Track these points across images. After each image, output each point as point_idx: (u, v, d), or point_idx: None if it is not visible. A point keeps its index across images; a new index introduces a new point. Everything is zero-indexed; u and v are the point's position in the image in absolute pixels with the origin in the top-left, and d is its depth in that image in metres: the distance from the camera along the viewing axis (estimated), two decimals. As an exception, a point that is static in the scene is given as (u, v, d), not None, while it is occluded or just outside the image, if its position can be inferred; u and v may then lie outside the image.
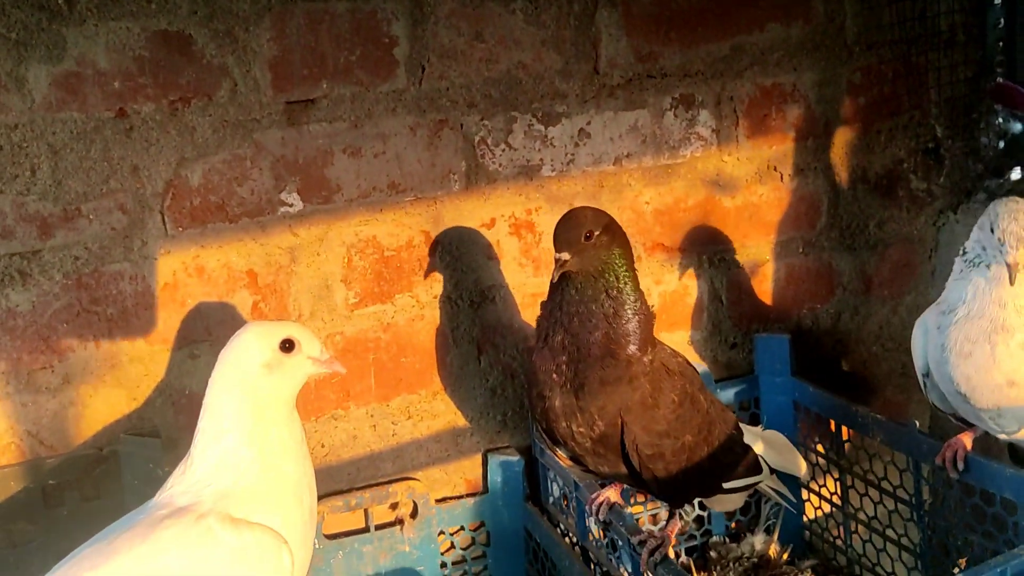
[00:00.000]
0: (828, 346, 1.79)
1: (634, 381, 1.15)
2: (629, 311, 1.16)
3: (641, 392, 1.16)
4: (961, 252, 1.22)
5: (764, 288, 1.73)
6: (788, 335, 1.66)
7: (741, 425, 1.43)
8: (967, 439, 1.30)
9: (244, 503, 0.98)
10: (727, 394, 1.67)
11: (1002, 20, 1.75)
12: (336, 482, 1.50)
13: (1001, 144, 1.80)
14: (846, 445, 1.61)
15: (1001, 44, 1.75)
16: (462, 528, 1.58)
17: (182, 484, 1.00)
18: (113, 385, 1.35)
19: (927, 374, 1.28)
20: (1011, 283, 1.13)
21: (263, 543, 0.96)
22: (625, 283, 1.16)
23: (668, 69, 1.57)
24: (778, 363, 1.66)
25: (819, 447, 1.65)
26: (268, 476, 1.01)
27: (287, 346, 1.06)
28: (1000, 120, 1.79)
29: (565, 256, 1.12)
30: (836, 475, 1.62)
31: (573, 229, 1.13)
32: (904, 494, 1.47)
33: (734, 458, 1.30)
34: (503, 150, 1.50)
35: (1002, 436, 1.27)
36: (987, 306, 1.17)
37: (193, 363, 1.39)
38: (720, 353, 1.72)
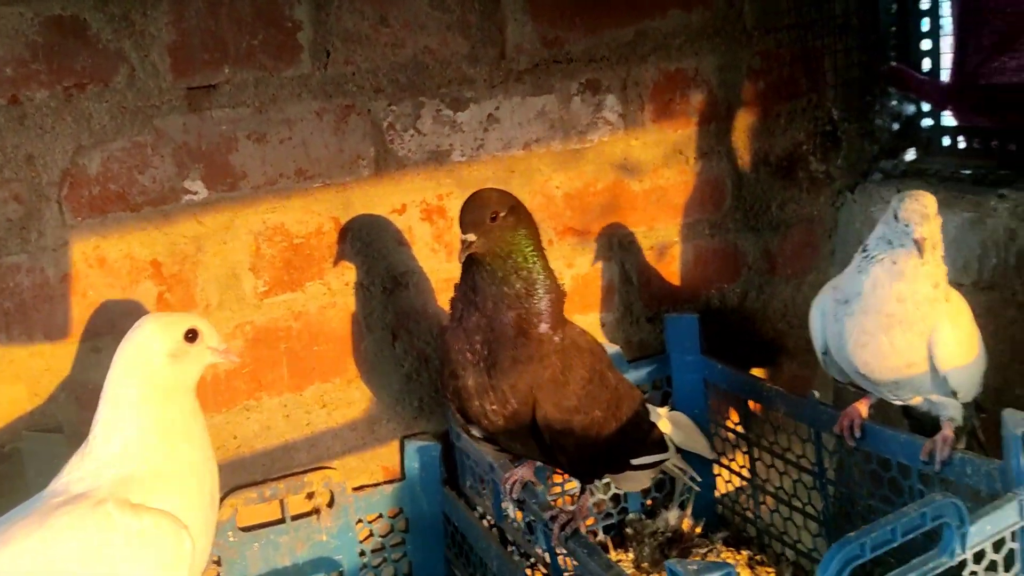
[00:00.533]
0: (736, 324, 1.84)
1: (545, 359, 1.17)
2: (540, 290, 1.18)
3: (552, 370, 1.17)
4: (861, 249, 1.26)
5: (673, 269, 1.77)
6: (697, 314, 1.70)
7: (651, 407, 1.47)
8: (863, 407, 1.35)
9: (143, 489, 0.98)
10: (639, 374, 1.71)
11: (895, 5, 1.81)
12: (250, 474, 1.48)
13: (895, 126, 1.87)
14: (754, 419, 1.66)
15: (894, 28, 1.82)
16: (380, 516, 1.58)
17: (79, 471, 0.99)
18: (13, 381, 1.31)
19: (826, 352, 1.33)
20: (920, 256, 1.18)
21: (162, 527, 0.96)
22: (534, 263, 1.18)
23: (574, 54, 1.59)
24: (688, 342, 1.70)
25: (729, 422, 1.70)
26: (169, 462, 1.01)
27: (191, 336, 1.08)
28: (894, 103, 1.86)
29: (471, 237, 1.13)
30: (745, 449, 1.67)
31: (478, 210, 1.14)
32: (807, 464, 1.52)
33: (641, 435, 1.33)
34: (412, 135, 1.50)
35: (897, 402, 1.33)
36: (885, 300, 1.22)
37: (97, 357, 1.35)
38: (632, 334, 1.75)
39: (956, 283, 1.58)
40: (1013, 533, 1.12)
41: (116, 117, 1.32)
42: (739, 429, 1.68)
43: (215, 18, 1.34)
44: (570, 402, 1.18)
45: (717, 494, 1.78)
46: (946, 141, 1.82)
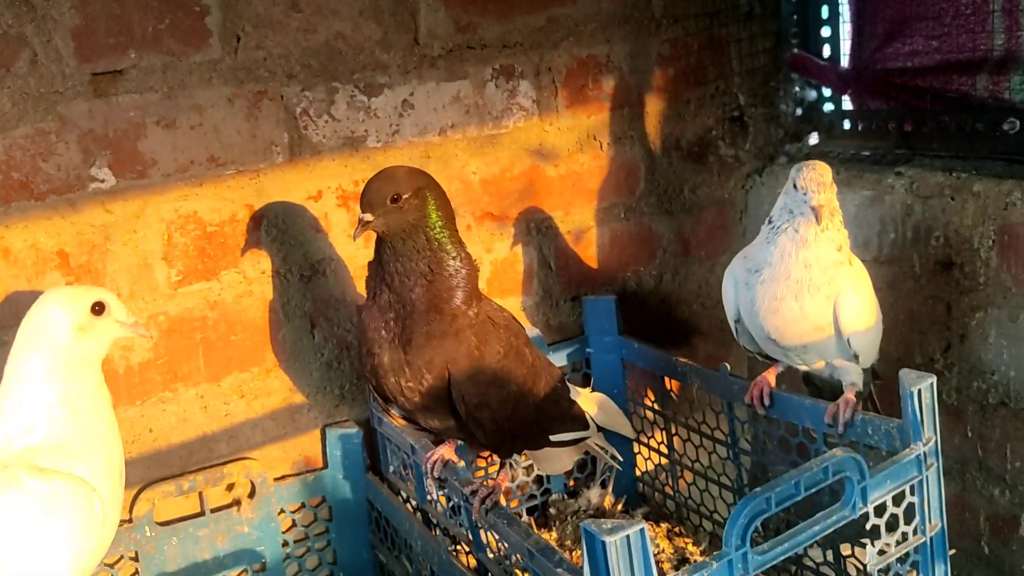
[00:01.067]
0: (653, 305, 1.89)
1: (460, 334, 1.18)
2: (450, 267, 1.19)
3: (467, 344, 1.19)
4: (767, 221, 1.31)
5: (590, 253, 1.80)
6: (614, 296, 1.74)
7: (572, 386, 1.50)
8: (771, 376, 1.41)
9: (52, 456, 0.98)
10: (560, 356, 1.73)
11: (795, -5, 1.88)
12: (167, 467, 1.46)
13: (799, 111, 1.94)
14: (670, 397, 1.71)
15: (796, 16, 1.89)
16: (303, 505, 1.57)
17: (-16, 443, 0.97)
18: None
19: (738, 320, 1.37)
20: (818, 223, 1.23)
21: (72, 489, 0.96)
22: (442, 240, 1.19)
23: (487, 40, 1.61)
24: (605, 323, 1.74)
25: (647, 400, 1.74)
26: (79, 433, 1.02)
27: (97, 308, 1.08)
28: (797, 89, 1.93)
29: (367, 217, 1.14)
30: (663, 426, 1.71)
31: (377, 191, 1.15)
32: (721, 435, 1.57)
33: (560, 411, 1.36)
34: (326, 121, 1.50)
35: (803, 367, 1.39)
36: (792, 267, 1.27)
37: (3, 350, 1.31)
38: (552, 317, 1.78)
39: (859, 258, 1.66)
40: (912, 487, 1.18)
41: (18, 103, 1.29)
42: (656, 407, 1.72)
43: (120, 2, 1.32)
44: (485, 376, 1.20)
45: (638, 472, 1.82)
46: (847, 124, 1.89)
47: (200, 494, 1.47)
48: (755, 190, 1.92)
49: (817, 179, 1.23)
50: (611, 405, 1.62)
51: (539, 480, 1.75)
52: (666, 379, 1.68)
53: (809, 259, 1.24)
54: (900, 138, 1.78)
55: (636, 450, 1.79)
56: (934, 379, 1.17)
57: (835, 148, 1.89)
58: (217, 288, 1.47)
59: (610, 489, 1.74)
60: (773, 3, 1.88)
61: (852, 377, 1.32)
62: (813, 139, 1.95)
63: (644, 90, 1.78)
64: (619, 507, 1.74)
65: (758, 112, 1.90)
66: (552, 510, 1.72)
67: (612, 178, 1.79)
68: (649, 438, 1.76)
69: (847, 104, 1.90)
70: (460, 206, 1.63)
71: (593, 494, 1.73)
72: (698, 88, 1.84)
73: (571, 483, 1.79)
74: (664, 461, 1.75)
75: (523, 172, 1.70)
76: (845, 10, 1.85)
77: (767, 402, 1.39)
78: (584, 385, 1.71)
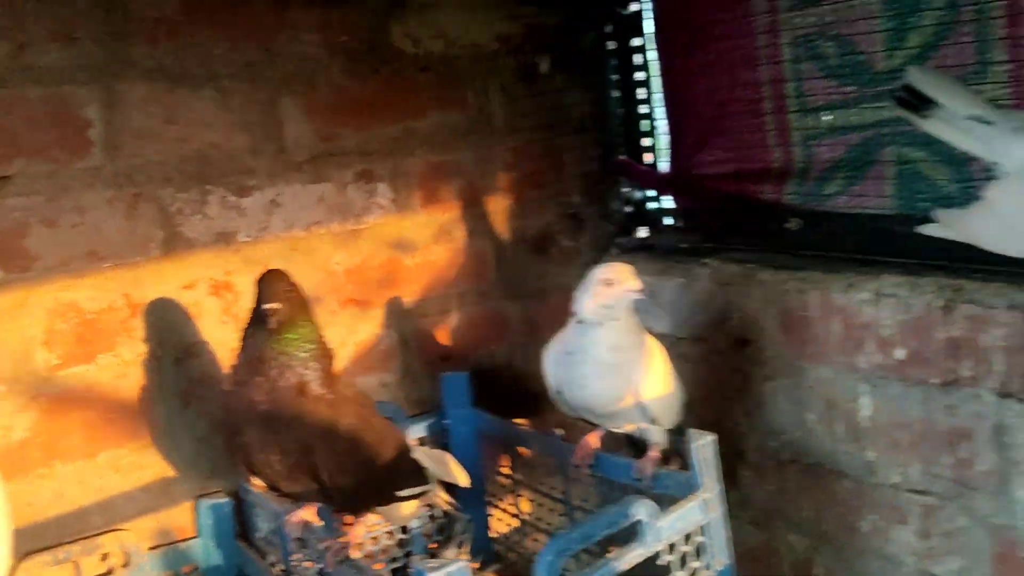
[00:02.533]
0: (506, 380, 2.10)
1: (319, 411, 1.36)
2: (317, 355, 1.38)
3: (326, 419, 1.37)
4: (574, 313, 1.55)
5: (447, 334, 2.01)
6: (468, 372, 1.94)
7: (409, 443, 1.68)
8: (593, 439, 1.63)
9: None
10: (419, 427, 1.91)
11: (621, 110, 2.19)
12: (43, 539, 1.55)
13: (629, 208, 2.23)
14: (519, 462, 1.91)
15: (622, 128, 2.19)
16: (176, 574, 1.68)
17: None
18: None
19: (560, 392, 1.60)
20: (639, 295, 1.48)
21: None
22: (312, 331, 1.38)
23: (348, 148, 1.82)
24: (461, 397, 1.93)
25: (499, 467, 1.94)
26: None
27: None
28: (626, 189, 2.22)
29: (275, 306, 1.33)
30: (513, 489, 1.91)
31: (277, 283, 1.35)
32: (558, 494, 1.78)
33: (404, 469, 1.54)
34: (200, 219, 1.67)
35: (617, 431, 1.62)
36: (597, 351, 1.51)
37: None
38: (412, 392, 1.96)
39: (675, 336, 1.93)
40: (701, 527, 1.41)
41: (-89, 204, 1.42)
42: (506, 472, 1.92)
43: (8, 117, 1.47)
44: (342, 445, 1.38)
45: (492, 534, 2.00)
46: (669, 220, 2.19)
47: (75, 564, 1.56)
48: (593, 277, 2.18)
49: (628, 272, 1.48)
50: (442, 457, 1.78)
51: (402, 543, 1.91)
52: (513, 447, 1.88)
53: (613, 344, 1.49)
54: (710, 233, 2.08)
55: (490, 512, 1.97)
56: (714, 437, 1.41)
57: (659, 240, 2.18)
58: (94, 370, 1.59)
59: (466, 549, 1.91)
60: (602, 118, 2.17)
61: (656, 438, 1.56)
62: (642, 232, 2.24)
63: (491, 190, 2.03)
64: (475, 566, 1.91)
65: (592, 210, 2.18)
66: (411, 570, 1.88)
67: (465, 267, 2.02)
68: (501, 501, 1.95)
69: (669, 203, 2.20)
70: (325, 293, 1.82)
71: (450, 554, 1.90)
72: (538, 189, 2.10)
73: (432, 545, 1.95)
74: (515, 522, 1.94)
75: (384, 262, 1.90)
76: (663, 124, 2.16)
77: (590, 462, 1.61)
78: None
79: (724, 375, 1.90)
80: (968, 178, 1.60)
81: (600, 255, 2.18)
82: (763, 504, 1.86)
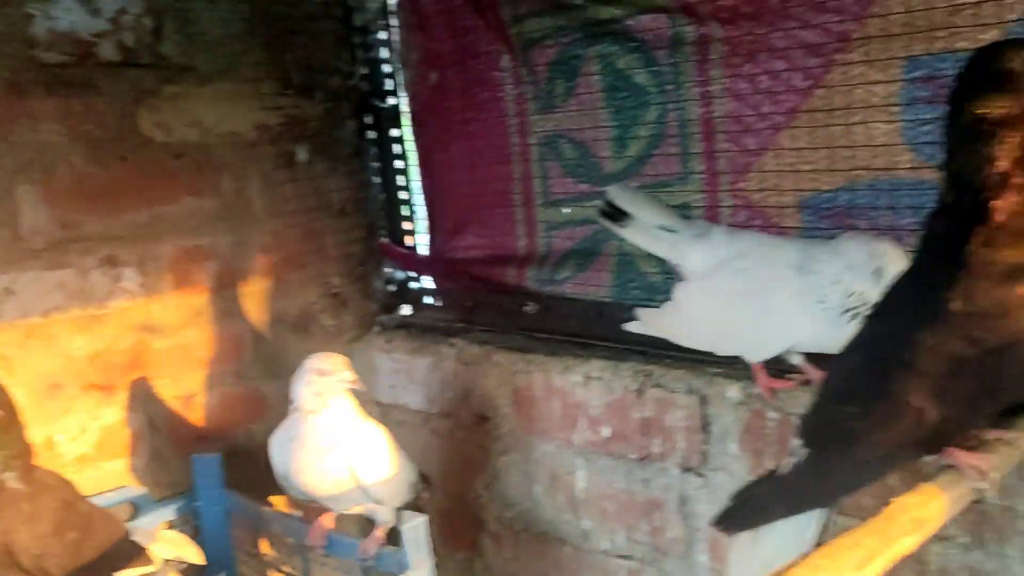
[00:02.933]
0: (264, 459, 2.13)
1: (18, 504, 1.37)
2: (9, 454, 1.39)
3: (25, 509, 1.38)
4: (292, 402, 1.62)
5: (199, 415, 2.03)
6: (221, 454, 1.96)
7: (132, 526, 1.68)
8: (328, 520, 1.69)
9: None
10: (169, 510, 1.91)
11: (383, 195, 2.30)
12: None
13: (392, 288, 2.33)
14: (267, 541, 1.94)
15: (383, 212, 2.30)
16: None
17: None
18: None
19: (285, 478, 1.66)
20: (349, 399, 1.57)
21: None
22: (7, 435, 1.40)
23: (91, 234, 1.83)
24: (212, 478, 1.95)
25: (249, 547, 1.96)
26: None
27: None
28: (388, 270, 2.32)
29: None
30: (259, 569, 1.93)
31: None
32: (295, 572, 1.82)
33: (119, 552, 1.55)
34: (-79, 308, 1.64)
35: (345, 512, 1.69)
36: (320, 437, 1.58)
37: None
38: (162, 475, 1.97)
39: (427, 412, 2.03)
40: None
41: None
42: (255, 551, 1.94)
43: None
44: (44, 529, 1.39)
45: (246, 613, 2.01)
46: (429, 300, 2.31)
47: None
48: (356, 355, 2.25)
49: (344, 363, 1.57)
50: (180, 538, 1.79)
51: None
52: (260, 528, 1.92)
53: (327, 430, 1.57)
54: (465, 313, 2.21)
55: (242, 593, 1.99)
56: (424, 519, 1.51)
57: (420, 319, 2.29)
58: None
59: (213, 629, 1.92)
60: (363, 202, 2.28)
61: (383, 517, 1.64)
62: (406, 310, 2.35)
63: (248, 273, 2.08)
64: (222, 646, 1.91)
65: (354, 289, 2.26)
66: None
67: (220, 349, 2.05)
68: (252, 581, 1.97)
69: (429, 283, 2.32)
70: (65, 379, 1.81)
71: (196, 636, 1.90)
72: (299, 270, 2.17)
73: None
74: (265, 601, 1.97)
75: (131, 346, 1.91)
76: (422, 209, 2.29)
77: (324, 543, 1.68)
78: (196, 535, 1.90)
79: (468, 449, 2.01)
80: (671, 271, 1.80)
81: (363, 333, 2.27)
82: (502, 571, 1.98)
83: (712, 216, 1.73)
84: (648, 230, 1.58)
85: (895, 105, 1.45)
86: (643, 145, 1.82)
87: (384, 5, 2.22)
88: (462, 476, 2.02)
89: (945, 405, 0.99)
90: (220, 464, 1.95)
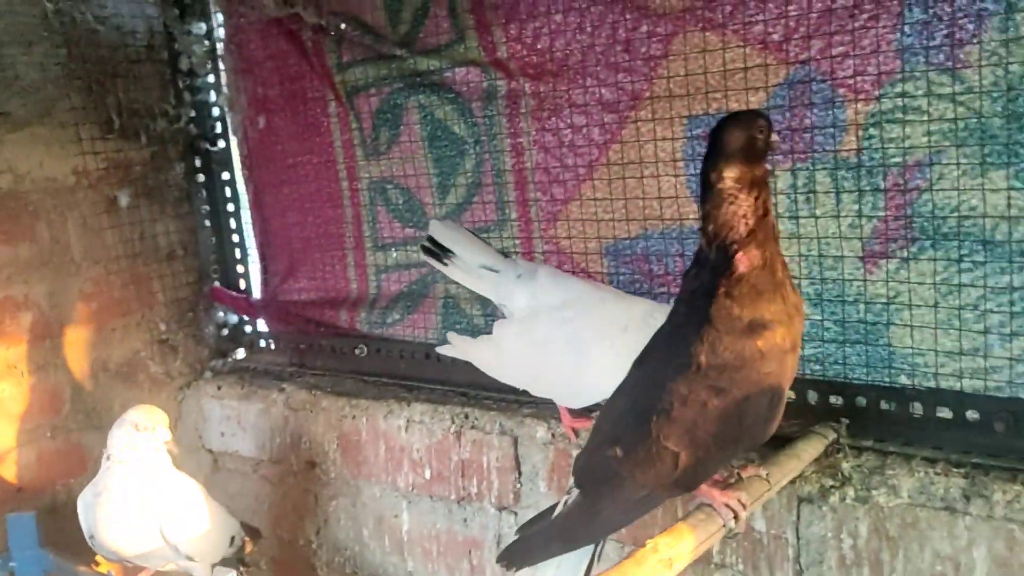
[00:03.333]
0: (87, 513, 2.06)
1: None
2: None
3: None
4: (106, 456, 1.59)
5: (14, 472, 1.95)
6: (36, 512, 1.89)
7: None
8: (144, 577, 1.67)
9: None
10: (-19, 573, 1.84)
11: (213, 239, 2.28)
12: None
13: (225, 332, 2.31)
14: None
15: (214, 256, 2.28)
16: None
17: None
18: None
19: (92, 536, 1.62)
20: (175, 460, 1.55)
21: None
22: None
23: None
24: (28, 538, 1.87)
25: (69, 606, 1.89)
26: None
27: None
28: (221, 314, 2.30)
29: None
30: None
31: None
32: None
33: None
34: None
35: (157, 569, 1.66)
36: (125, 493, 1.56)
37: None
38: (-27, 537, 1.88)
39: (258, 459, 2.02)
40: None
41: None
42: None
43: None
44: None
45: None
46: (264, 343, 2.30)
47: None
48: (186, 401, 2.23)
49: (160, 419, 1.55)
50: None
51: None
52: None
53: (137, 486, 1.55)
54: (298, 356, 2.21)
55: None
56: (233, 573, 1.51)
57: (256, 363, 2.27)
58: None
59: None
60: (194, 245, 2.25)
61: (198, 573, 1.63)
62: (240, 354, 2.33)
63: (66, 322, 2.02)
64: None
65: (184, 335, 2.23)
66: None
67: (37, 402, 1.98)
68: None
69: (263, 327, 2.31)
70: None
71: None
72: (123, 317, 2.12)
73: None
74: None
75: None
76: (254, 252, 2.28)
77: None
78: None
79: (297, 495, 2.01)
80: (492, 313, 1.86)
81: (194, 379, 2.24)
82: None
83: (528, 260, 1.79)
84: (470, 269, 1.59)
85: (680, 160, 1.56)
86: (463, 192, 1.88)
87: (212, 49, 2.20)
88: (294, 523, 2.02)
89: (697, 448, 1.08)
90: (36, 523, 1.88)
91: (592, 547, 1.19)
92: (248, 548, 1.77)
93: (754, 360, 1.06)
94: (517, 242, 1.82)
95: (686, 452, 1.08)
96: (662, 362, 1.13)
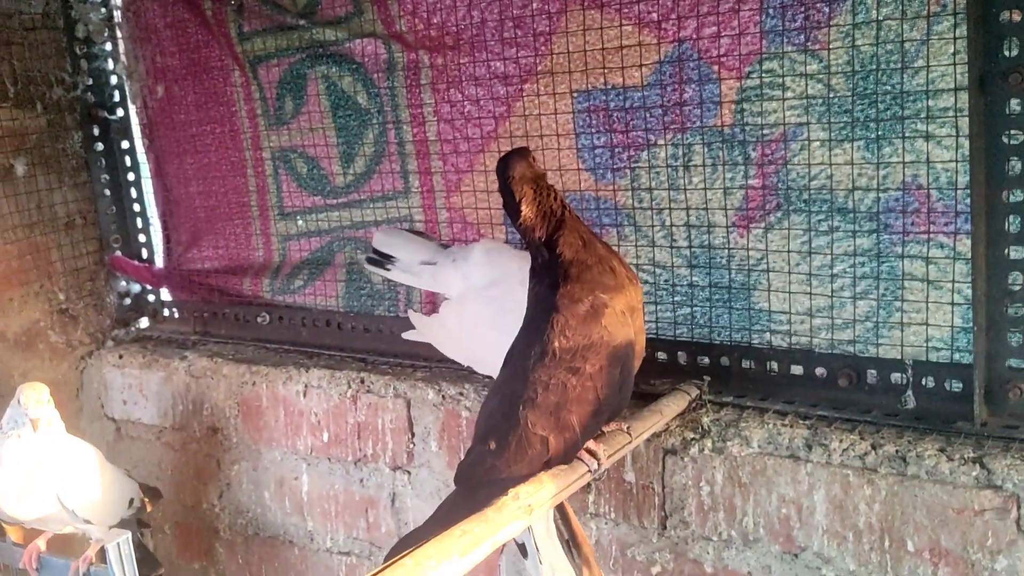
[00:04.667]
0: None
1: None
2: None
3: None
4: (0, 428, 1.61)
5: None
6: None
7: None
8: (42, 541, 1.68)
9: None
10: None
11: (113, 207, 2.27)
12: None
13: (127, 301, 2.31)
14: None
15: (114, 225, 2.28)
16: None
17: None
18: None
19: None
20: (34, 430, 1.55)
21: None
22: None
23: None
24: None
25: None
26: None
27: None
28: (123, 283, 2.30)
29: None
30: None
31: None
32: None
33: None
34: None
35: (61, 532, 1.69)
36: (19, 463, 1.55)
37: None
38: None
39: (160, 427, 2.04)
40: (118, 617, 1.53)
41: None
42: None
43: None
44: None
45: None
46: (167, 312, 2.31)
47: None
48: (88, 371, 2.23)
49: (36, 397, 1.57)
50: None
51: None
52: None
53: (32, 455, 1.57)
54: (201, 324, 2.23)
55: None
56: (127, 535, 1.55)
57: (159, 332, 2.28)
58: None
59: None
60: (93, 214, 2.24)
61: (96, 535, 1.66)
62: (144, 323, 2.33)
63: (-44, 294, 2.01)
64: None
65: (85, 304, 2.23)
66: None
67: (-71, 371, 1.97)
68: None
69: (166, 295, 2.32)
70: None
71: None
72: (21, 287, 2.11)
73: None
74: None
75: None
76: (157, 221, 2.29)
77: (35, 565, 1.67)
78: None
79: (200, 460, 2.05)
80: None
81: (96, 348, 2.24)
82: (234, 578, 2.04)
83: (431, 228, 1.85)
84: (410, 268, 1.65)
85: (570, 133, 1.63)
86: (367, 162, 1.92)
87: (109, 16, 2.19)
88: (196, 487, 2.05)
89: (563, 430, 1.16)
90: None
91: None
92: (148, 508, 1.81)
93: (601, 336, 1.15)
94: (420, 211, 1.87)
95: (554, 435, 1.16)
96: (523, 356, 1.20)
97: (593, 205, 1.67)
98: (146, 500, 1.81)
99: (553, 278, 1.18)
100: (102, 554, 1.61)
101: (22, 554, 1.69)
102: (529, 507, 1.11)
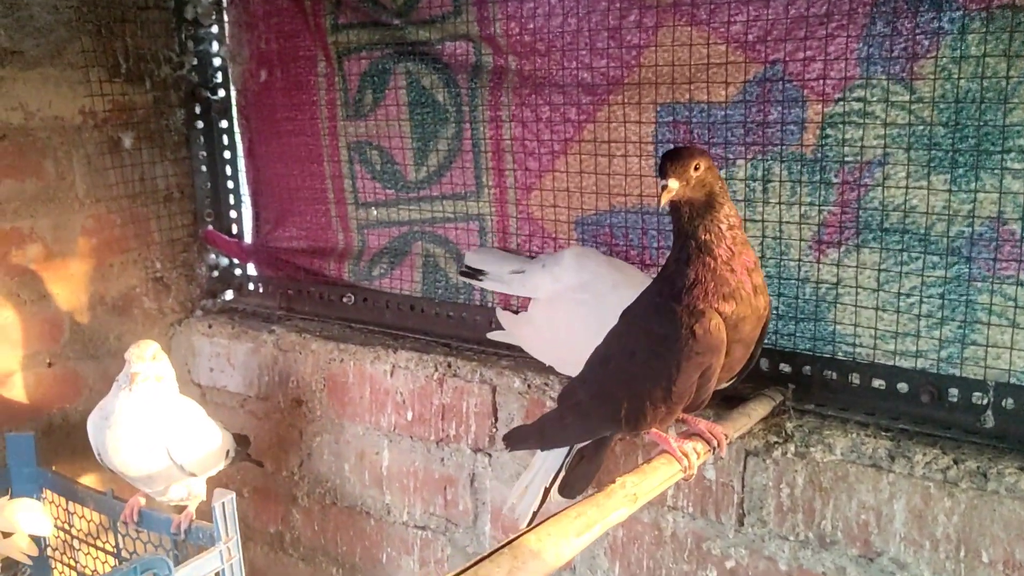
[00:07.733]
0: (79, 439, 2.18)
1: None
2: None
3: None
4: (117, 380, 1.71)
5: (14, 394, 2.06)
6: (33, 433, 2.00)
7: None
8: (142, 496, 1.79)
9: None
10: (-14, 489, 1.95)
11: (208, 184, 2.38)
12: None
13: (215, 274, 2.42)
14: (78, 516, 2.01)
15: (208, 200, 2.38)
16: None
17: None
18: None
19: (100, 455, 1.74)
20: (131, 383, 1.67)
21: None
22: None
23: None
24: (25, 456, 2.00)
25: (64, 524, 2.02)
26: None
27: None
28: (213, 256, 2.41)
29: None
30: (75, 545, 2.00)
31: None
32: (111, 548, 1.91)
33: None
34: None
35: (156, 497, 1.80)
36: (131, 417, 1.68)
37: None
38: (-27, 455, 1.99)
39: (244, 395, 2.14)
40: (220, 572, 1.63)
41: None
42: (69, 528, 2.01)
43: None
44: None
45: (58, 585, 2.08)
46: (252, 286, 2.41)
47: None
48: (176, 337, 2.34)
49: (139, 354, 1.68)
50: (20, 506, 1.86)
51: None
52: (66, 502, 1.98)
53: (142, 411, 1.67)
54: (286, 300, 2.33)
55: (53, 566, 2.05)
56: (232, 495, 1.65)
57: (243, 305, 2.39)
58: None
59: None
60: (190, 188, 2.35)
61: (197, 489, 1.76)
62: (229, 295, 2.44)
63: (69, 255, 2.12)
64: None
65: (177, 274, 2.34)
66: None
67: (36, 330, 2.08)
68: (62, 555, 2.03)
69: (252, 270, 2.42)
70: None
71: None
72: (122, 254, 2.22)
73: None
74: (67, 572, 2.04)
75: (-58, 325, 1.92)
76: (247, 199, 2.39)
77: (136, 518, 1.78)
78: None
79: (283, 430, 2.15)
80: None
81: (185, 316, 2.35)
82: (310, 543, 2.14)
83: (502, 227, 1.93)
84: (501, 278, 1.79)
85: (649, 143, 1.69)
86: (442, 158, 1.99)
87: (217, 1, 2.28)
88: (277, 455, 2.16)
89: (634, 399, 1.27)
90: (33, 443, 2.00)
91: (563, 456, 1.46)
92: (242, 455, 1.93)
93: (689, 340, 1.21)
94: (493, 209, 1.94)
95: (627, 400, 1.28)
96: (632, 322, 1.32)
97: (663, 216, 1.73)
98: (240, 448, 1.93)
99: (686, 268, 1.23)
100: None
101: (123, 507, 1.80)
102: (634, 496, 1.19)
